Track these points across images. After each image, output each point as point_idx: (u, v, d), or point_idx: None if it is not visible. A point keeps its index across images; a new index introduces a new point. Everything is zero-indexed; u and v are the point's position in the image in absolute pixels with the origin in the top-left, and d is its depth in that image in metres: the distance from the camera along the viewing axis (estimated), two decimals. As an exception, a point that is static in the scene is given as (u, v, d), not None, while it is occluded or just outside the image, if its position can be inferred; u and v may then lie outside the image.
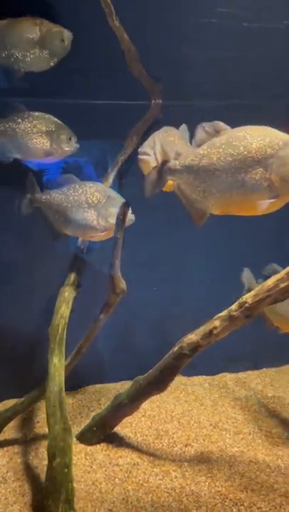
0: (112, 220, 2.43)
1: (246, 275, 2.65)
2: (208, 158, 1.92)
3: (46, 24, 2.45)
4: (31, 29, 2.43)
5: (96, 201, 2.51)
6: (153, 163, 2.24)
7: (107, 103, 2.96)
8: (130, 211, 2.45)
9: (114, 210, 2.44)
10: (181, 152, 2.05)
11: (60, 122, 2.56)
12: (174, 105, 2.98)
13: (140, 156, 2.36)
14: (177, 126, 2.50)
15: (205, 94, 2.96)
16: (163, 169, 2.04)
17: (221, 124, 1.94)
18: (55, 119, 2.56)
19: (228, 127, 1.94)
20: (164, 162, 2.05)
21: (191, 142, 2.21)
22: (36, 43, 2.43)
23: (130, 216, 2.46)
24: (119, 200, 2.49)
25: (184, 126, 2.47)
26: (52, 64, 2.50)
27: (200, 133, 1.98)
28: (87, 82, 2.84)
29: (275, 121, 1.91)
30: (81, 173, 3.06)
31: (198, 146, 1.98)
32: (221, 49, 2.87)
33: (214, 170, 1.90)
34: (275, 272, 2.09)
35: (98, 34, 2.65)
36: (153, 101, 2.99)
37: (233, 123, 1.96)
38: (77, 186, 2.57)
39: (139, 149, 2.44)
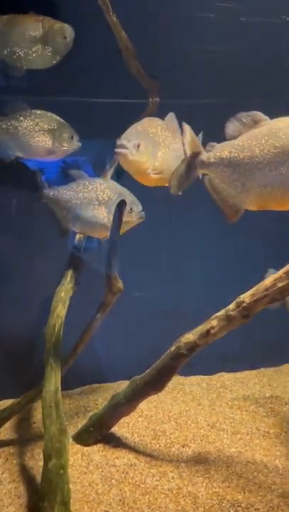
0: (124, 218, 2.39)
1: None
2: (249, 151, 1.79)
3: (48, 21, 2.43)
4: (34, 26, 2.41)
5: (107, 198, 2.48)
6: (130, 157, 2.05)
7: (105, 101, 2.94)
8: (140, 209, 2.42)
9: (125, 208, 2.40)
10: (193, 143, 1.91)
11: (63, 120, 2.55)
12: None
13: (116, 150, 2.15)
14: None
15: (204, 91, 2.94)
16: (194, 162, 1.90)
17: (260, 115, 1.84)
18: (58, 117, 2.55)
19: (267, 118, 1.84)
20: (195, 154, 1.90)
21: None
22: (39, 40, 2.41)
23: (141, 214, 2.43)
24: (131, 197, 2.46)
25: (171, 115, 2.31)
26: (54, 62, 2.49)
27: (234, 124, 1.87)
28: (84, 80, 2.82)
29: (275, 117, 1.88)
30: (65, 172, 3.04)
31: (232, 138, 1.87)
32: (219, 44, 2.85)
33: (256, 163, 1.78)
34: None
35: (96, 31, 2.64)
36: (151, 99, 2.97)
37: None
38: (87, 183, 2.54)
39: (117, 142, 2.26)
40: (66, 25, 2.43)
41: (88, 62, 2.70)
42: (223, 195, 1.92)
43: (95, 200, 2.49)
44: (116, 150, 2.11)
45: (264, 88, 2.96)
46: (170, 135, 2.24)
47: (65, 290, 2.65)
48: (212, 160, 1.89)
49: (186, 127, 1.97)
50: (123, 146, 2.06)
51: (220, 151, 1.89)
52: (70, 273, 2.73)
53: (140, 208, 2.48)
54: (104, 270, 2.41)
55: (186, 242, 3.18)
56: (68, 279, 2.70)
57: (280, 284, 1.99)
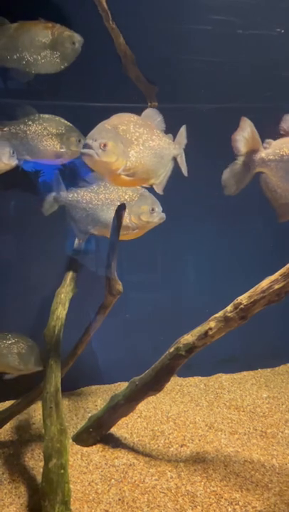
0: (145, 218, 2.40)
1: None
2: None
3: (58, 28, 2.49)
4: (43, 32, 2.46)
5: (128, 199, 2.45)
6: (96, 158, 1.89)
7: (104, 106, 2.97)
8: (161, 209, 2.40)
9: (147, 208, 2.40)
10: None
11: (70, 124, 2.57)
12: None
13: (81, 150, 1.99)
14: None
15: (200, 99, 2.99)
16: (251, 160, 1.82)
17: None
18: (65, 121, 2.57)
19: None
20: (252, 152, 1.83)
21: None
22: (48, 46, 2.46)
23: (162, 215, 2.43)
24: (152, 198, 2.45)
25: (149, 111, 2.16)
26: (62, 67, 2.53)
27: None
28: (84, 85, 2.85)
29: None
30: (77, 174, 3.06)
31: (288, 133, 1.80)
32: (215, 55, 2.91)
33: None
34: None
35: (95, 37, 2.67)
36: (149, 103, 3.01)
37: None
38: (108, 184, 2.50)
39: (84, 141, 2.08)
40: (75, 33, 2.49)
41: (87, 67, 2.73)
42: (277, 194, 1.87)
43: (116, 201, 2.44)
44: (80, 151, 1.96)
45: (259, 96, 3.01)
46: (146, 132, 2.07)
47: (65, 292, 2.67)
48: (271, 157, 1.82)
49: (246, 121, 1.86)
50: (88, 146, 1.89)
51: (279, 148, 1.81)
52: (69, 275, 2.75)
53: (161, 208, 2.46)
54: (103, 272, 2.43)
55: (186, 244, 3.21)
56: (68, 281, 2.73)
57: (276, 286, 2.03)
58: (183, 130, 2.36)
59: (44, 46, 2.45)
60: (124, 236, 2.53)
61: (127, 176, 2.00)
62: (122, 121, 2.03)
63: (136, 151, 2.01)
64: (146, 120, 2.13)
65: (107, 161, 1.91)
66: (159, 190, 2.21)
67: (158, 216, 2.46)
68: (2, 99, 2.85)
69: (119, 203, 2.42)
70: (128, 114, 2.09)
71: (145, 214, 2.41)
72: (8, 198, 2.99)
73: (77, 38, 2.48)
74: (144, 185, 2.23)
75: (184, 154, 2.35)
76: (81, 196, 2.52)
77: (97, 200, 2.50)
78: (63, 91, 2.82)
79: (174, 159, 2.29)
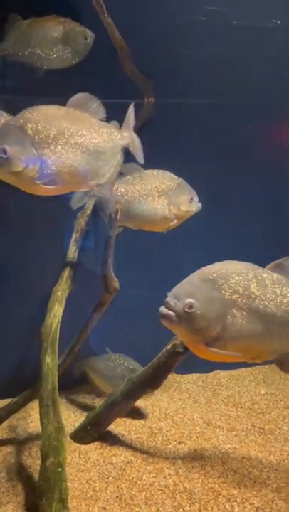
0: (185, 208, 2.36)
1: None
2: None
3: (70, 23, 2.51)
4: (55, 28, 2.48)
5: (166, 189, 2.38)
6: None
7: (100, 101, 2.95)
8: (197, 199, 2.36)
9: (186, 198, 2.36)
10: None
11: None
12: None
13: None
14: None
15: (194, 92, 2.97)
16: None
17: None
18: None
19: None
20: None
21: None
22: (59, 42, 2.47)
23: (199, 204, 2.39)
24: (189, 187, 2.42)
25: (80, 96, 1.82)
26: (73, 62, 2.55)
27: None
28: (81, 81, 2.83)
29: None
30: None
31: None
32: (209, 47, 2.88)
33: None
34: None
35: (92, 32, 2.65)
36: (145, 99, 2.99)
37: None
38: (143, 175, 2.42)
39: None
40: (86, 28, 2.50)
41: (83, 62, 2.71)
42: None
43: (154, 192, 2.37)
44: None
45: (254, 89, 3.00)
46: (72, 126, 1.72)
47: (62, 290, 2.65)
48: None
49: None
50: None
51: None
52: (66, 273, 2.74)
53: (197, 197, 2.42)
54: (100, 270, 2.42)
55: (184, 241, 3.19)
56: (65, 278, 2.71)
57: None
58: (130, 112, 2.06)
59: (56, 41, 2.48)
60: (163, 227, 2.45)
61: (47, 184, 1.66)
62: (34, 118, 1.66)
63: (55, 151, 1.66)
64: (76, 109, 1.78)
65: (11, 170, 1.58)
66: (107, 191, 1.97)
67: (196, 205, 2.41)
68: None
69: (156, 193, 2.36)
70: (46, 106, 1.73)
71: (184, 204, 2.36)
72: (7, 197, 2.96)
73: (89, 33, 2.50)
74: (84, 189, 1.90)
75: (136, 140, 2.08)
76: (115, 189, 2.36)
77: (132, 191, 2.39)
78: (57, 87, 2.79)
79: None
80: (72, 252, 2.82)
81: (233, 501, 2.05)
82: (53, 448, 2.02)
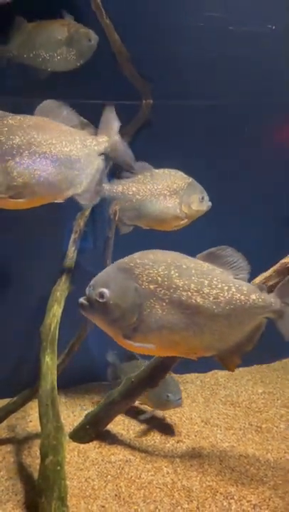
0: (196, 207, 2.37)
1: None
2: None
3: (74, 25, 2.52)
4: (60, 30, 2.49)
5: (177, 188, 2.39)
6: None
7: (98, 103, 2.97)
8: (207, 198, 2.37)
9: (197, 197, 2.37)
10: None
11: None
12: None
13: None
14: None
15: (194, 95, 2.99)
16: None
17: None
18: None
19: None
20: None
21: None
22: (64, 43, 2.49)
23: (209, 202, 2.41)
24: (200, 186, 2.43)
25: (47, 104, 1.72)
26: (78, 64, 2.56)
27: None
28: (78, 82, 2.84)
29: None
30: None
31: None
32: (209, 51, 2.91)
33: None
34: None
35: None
36: (144, 101, 3.01)
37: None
38: (154, 174, 2.43)
39: None
40: (90, 30, 2.51)
41: (82, 65, 2.72)
42: None
43: (165, 191, 2.38)
44: None
45: (251, 91, 3.02)
46: (40, 134, 1.62)
47: (61, 290, 2.68)
48: None
49: None
50: None
51: None
52: (65, 273, 2.76)
53: (208, 196, 2.44)
54: (99, 270, 2.43)
55: (184, 241, 3.20)
56: (64, 279, 2.73)
57: (269, 283, 2.04)
58: (108, 115, 1.93)
59: (60, 43, 2.49)
60: (174, 226, 2.45)
61: (15, 197, 1.56)
62: None
63: (21, 163, 1.57)
64: (45, 117, 1.69)
65: None
66: (84, 200, 1.80)
67: (206, 204, 2.43)
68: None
69: (168, 193, 2.37)
70: (12, 115, 1.65)
71: (196, 203, 2.38)
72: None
73: (93, 35, 2.52)
74: (58, 200, 1.79)
75: (121, 144, 1.97)
76: (127, 188, 2.40)
77: (143, 190, 2.40)
78: (53, 88, 2.80)
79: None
80: (71, 253, 2.84)
81: (231, 499, 2.07)
82: (52, 447, 2.04)
